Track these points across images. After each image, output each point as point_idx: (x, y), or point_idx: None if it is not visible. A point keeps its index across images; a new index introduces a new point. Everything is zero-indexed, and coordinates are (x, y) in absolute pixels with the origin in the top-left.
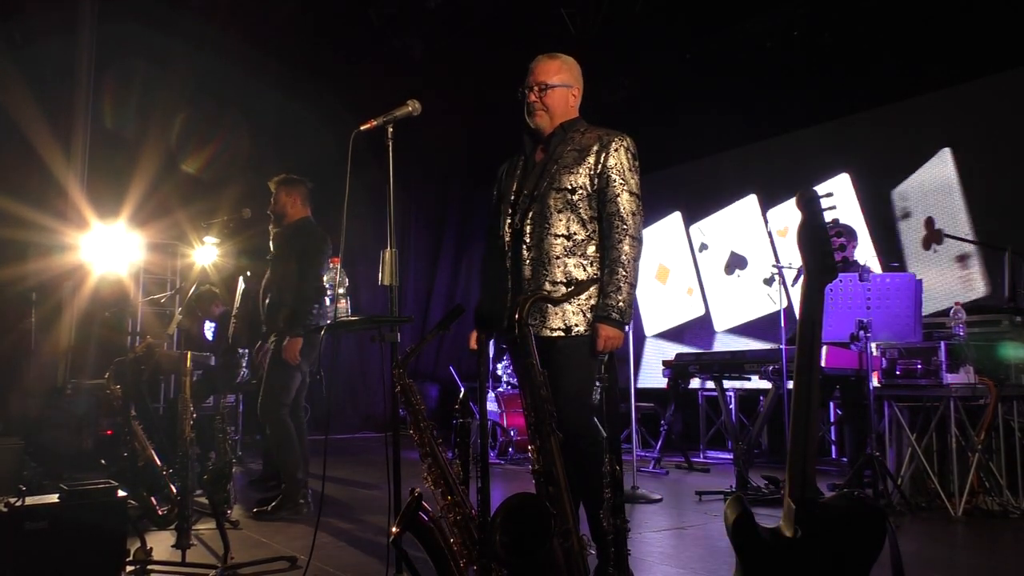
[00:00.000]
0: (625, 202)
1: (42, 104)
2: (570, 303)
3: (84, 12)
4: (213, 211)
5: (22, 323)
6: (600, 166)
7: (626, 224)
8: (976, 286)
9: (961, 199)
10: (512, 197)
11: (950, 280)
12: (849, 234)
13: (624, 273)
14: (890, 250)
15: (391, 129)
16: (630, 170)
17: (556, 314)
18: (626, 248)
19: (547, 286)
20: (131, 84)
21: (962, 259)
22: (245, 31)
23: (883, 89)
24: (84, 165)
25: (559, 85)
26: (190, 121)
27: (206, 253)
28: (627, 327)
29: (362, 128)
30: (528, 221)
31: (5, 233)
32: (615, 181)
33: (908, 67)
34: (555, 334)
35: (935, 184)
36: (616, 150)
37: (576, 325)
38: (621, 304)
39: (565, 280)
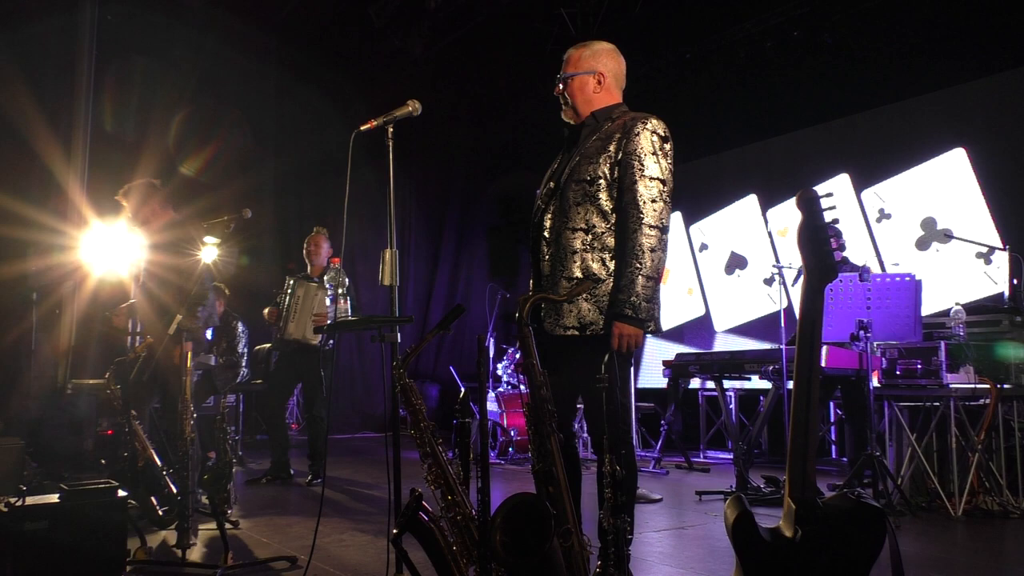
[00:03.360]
0: (642, 188)
1: (42, 104)
2: (586, 299)
3: (84, 12)
4: (213, 211)
5: (22, 323)
6: (620, 153)
7: (641, 212)
8: (988, 284)
9: (963, 198)
10: (541, 192)
11: (949, 280)
12: (837, 234)
13: (638, 265)
14: (889, 250)
15: (391, 129)
16: (653, 154)
17: (570, 312)
18: (641, 238)
19: (563, 283)
20: (131, 84)
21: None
22: (245, 31)
23: (883, 89)
24: (84, 164)
25: (577, 74)
26: (190, 121)
27: (206, 253)
28: (648, 323)
29: (362, 128)
30: (548, 216)
31: (5, 232)
32: (633, 167)
33: (908, 67)
34: (569, 332)
35: (936, 184)
36: (638, 134)
37: (592, 323)
38: (635, 299)
39: (583, 276)
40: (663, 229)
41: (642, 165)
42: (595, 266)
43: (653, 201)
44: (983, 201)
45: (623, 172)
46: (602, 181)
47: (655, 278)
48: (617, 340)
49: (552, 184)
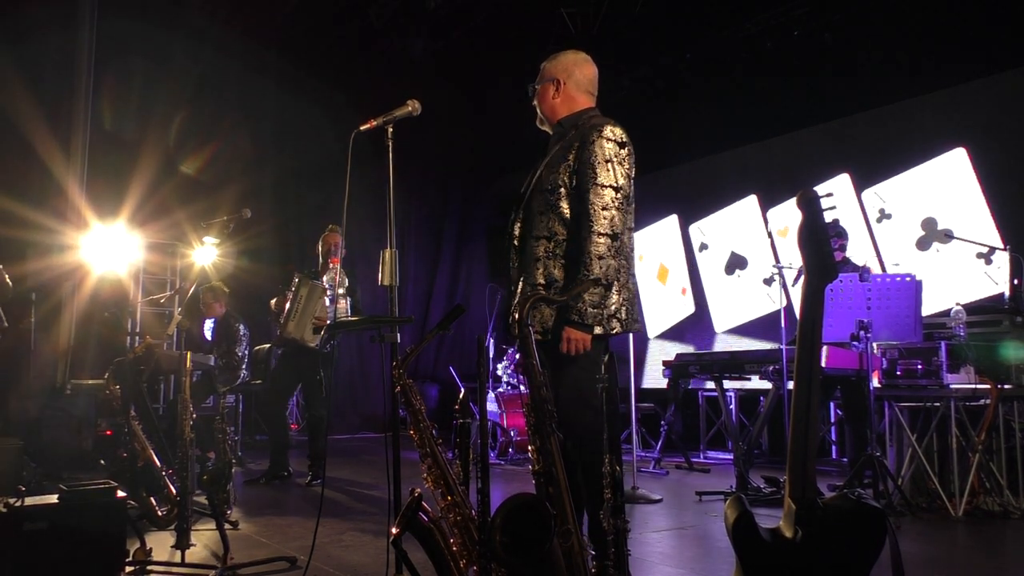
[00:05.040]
0: (593, 197)
1: (42, 104)
2: (549, 306)
3: (84, 11)
4: (213, 211)
5: (21, 323)
6: (577, 162)
7: (591, 220)
8: (988, 284)
9: (964, 198)
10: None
11: (950, 280)
12: (842, 234)
13: (585, 272)
14: (890, 250)
15: (391, 129)
16: (607, 161)
17: (535, 318)
18: (590, 246)
19: (527, 289)
20: (131, 83)
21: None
22: (245, 31)
23: (883, 89)
24: (84, 165)
25: (541, 82)
26: (190, 121)
27: (206, 253)
28: (595, 327)
29: (362, 128)
30: (517, 224)
31: (5, 233)
32: (586, 175)
33: (907, 67)
34: (534, 337)
35: (936, 183)
36: (592, 142)
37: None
38: (581, 305)
39: (545, 282)
40: (614, 236)
41: (594, 173)
42: (556, 273)
43: (604, 209)
44: (984, 201)
45: (578, 181)
46: (562, 190)
47: (604, 284)
48: (564, 344)
49: (522, 192)
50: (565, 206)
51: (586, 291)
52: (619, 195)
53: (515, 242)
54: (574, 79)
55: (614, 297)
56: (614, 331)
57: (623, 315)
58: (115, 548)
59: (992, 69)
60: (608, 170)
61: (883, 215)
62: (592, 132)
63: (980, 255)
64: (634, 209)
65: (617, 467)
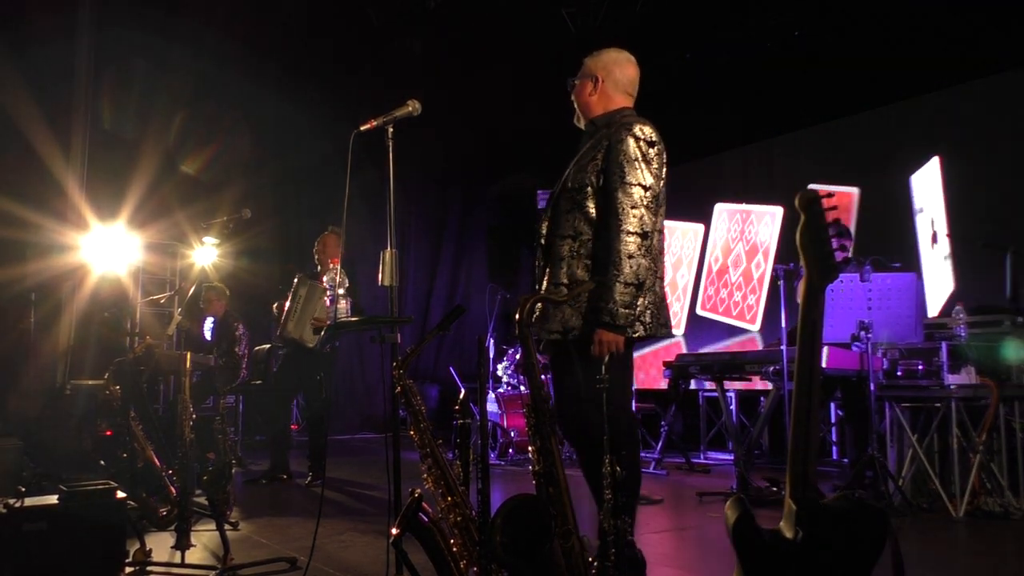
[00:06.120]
0: (621, 195)
1: (42, 105)
2: (571, 305)
3: (84, 14)
4: (212, 212)
5: (21, 323)
6: (605, 161)
7: (620, 219)
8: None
9: (961, 200)
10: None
11: (950, 280)
12: (843, 234)
13: (615, 272)
14: (895, 250)
15: (391, 129)
16: (635, 160)
17: (555, 317)
18: (619, 245)
19: (550, 288)
20: (130, 85)
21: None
22: (244, 32)
23: (883, 89)
24: (84, 166)
25: (580, 78)
26: (189, 122)
27: (205, 253)
28: (627, 329)
29: (362, 128)
30: (545, 223)
31: (5, 233)
32: (614, 174)
33: (907, 67)
34: (553, 336)
35: (934, 184)
36: (620, 141)
37: (574, 328)
38: (611, 306)
39: (568, 282)
40: (644, 235)
41: (623, 172)
42: (580, 272)
43: (634, 207)
44: (985, 202)
45: (606, 180)
46: (589, 189)
47: (635, 284)
48: (596, 347)
49: (553, 191)
50: (591, 205)
51: (585, 291)
52: (648, 194)
53: (542, 241)
54: (613, 78)
55: (640, 300)
56: (636, 334)
57: (647, 319)
58: (115, 548)
59: (996, 69)
60: (637, 168)
61: (893, 214)
62: (621, 131)
63: (954, 254)
64: (664, 211)
65: (617, 468)
